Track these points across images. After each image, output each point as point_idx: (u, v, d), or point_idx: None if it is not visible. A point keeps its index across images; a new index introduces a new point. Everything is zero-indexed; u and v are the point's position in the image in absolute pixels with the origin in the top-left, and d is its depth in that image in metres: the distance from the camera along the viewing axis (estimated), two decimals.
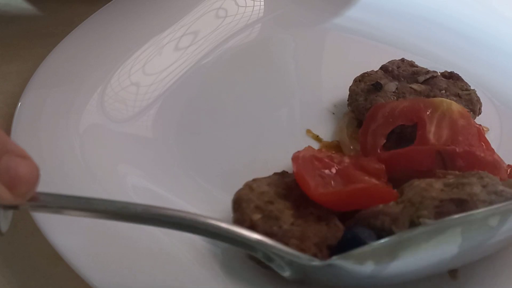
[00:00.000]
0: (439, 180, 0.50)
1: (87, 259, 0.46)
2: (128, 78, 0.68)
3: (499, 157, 0.55)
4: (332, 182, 0.51)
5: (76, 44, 0.69)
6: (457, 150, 0.52)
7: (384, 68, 0.67)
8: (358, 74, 0.67)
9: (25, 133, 0.56)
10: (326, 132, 0.65)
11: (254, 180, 0.52)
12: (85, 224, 0.49)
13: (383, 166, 0.54)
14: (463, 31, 0.79)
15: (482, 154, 0.53)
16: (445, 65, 0.68)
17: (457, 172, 0.50)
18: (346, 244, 0.46)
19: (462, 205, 0.44)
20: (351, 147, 0.61)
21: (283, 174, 0.54)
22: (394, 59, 0.68)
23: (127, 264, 0.46)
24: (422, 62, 0.68)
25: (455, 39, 0.78)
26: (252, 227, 0.47)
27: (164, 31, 0.75)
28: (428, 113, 0.57)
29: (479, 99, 0.63)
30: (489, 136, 0.59)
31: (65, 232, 0.48)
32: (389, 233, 0.45)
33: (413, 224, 0.44)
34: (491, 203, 0.44)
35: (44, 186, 0.51)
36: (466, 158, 0.52)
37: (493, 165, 0.52)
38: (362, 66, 0.68)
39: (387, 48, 0.78)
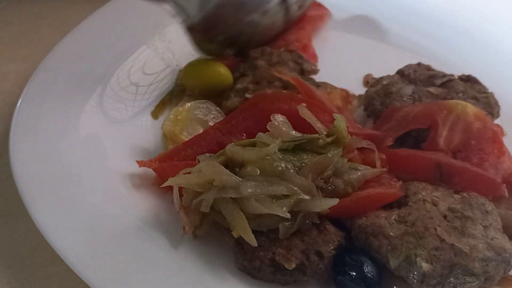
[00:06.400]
0: (445, 198, 0.50)
1: (86, 259, 0.46)
2: (128, 78, 0.67)
3: (509, 157, 0.55)
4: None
5: (74, 44, 0.69)
6: (456, 165, 0.52)
7: (400, 72, 0.67)
8: (373, 78, 0.67)
9: (24, 133, 0.56)
10: None
11: None
12: (83, 224, 0.49)
13: (383, 155, 0.54)
14: (481, 36, 0.79)
15: (481, 172, 0.53)
16: (462, 70, 0.68)
17: (464, 194, 0.51)
18: (347, 268, 0.47)
19: (460, 255, 0.45)
20: None
21: None
22: (410, 63, 0.68)
23: (125, 264, 0.46)
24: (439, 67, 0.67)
25: (473, 44, 0.78)
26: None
27: (164, 30, 0.75)
28: (442, 115, 0.56)
29: (497, 102, 0.62)
30: (506, 140, 0.58)
31: (63, 233, 0.47)
32: (383, 258, 0.47)
33: (409, 258, 0.46)
34: (486, 260, 0.45)
35: (43, 185, 0.52)
36: (463, 175, 0.52)
37: (489, 183, 0.53)
38: (377, 70, 0.68)
39: (402, 52, 0.77)
